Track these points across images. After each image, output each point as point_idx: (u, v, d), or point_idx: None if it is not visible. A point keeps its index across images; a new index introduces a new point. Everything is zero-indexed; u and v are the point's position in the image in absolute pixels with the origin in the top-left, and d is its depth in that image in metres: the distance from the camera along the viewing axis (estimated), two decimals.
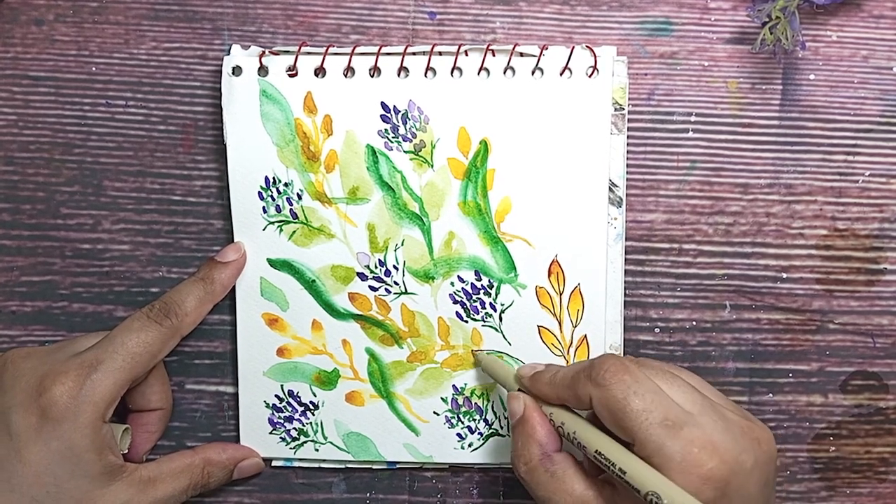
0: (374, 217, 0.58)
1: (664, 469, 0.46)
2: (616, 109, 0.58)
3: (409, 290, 0.59)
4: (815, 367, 0.61)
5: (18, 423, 0.53)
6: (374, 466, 0.61)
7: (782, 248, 0.60)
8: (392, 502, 0.61)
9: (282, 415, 0.60)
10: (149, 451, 0.59)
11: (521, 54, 0.58)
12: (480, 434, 0.60)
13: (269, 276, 0.59)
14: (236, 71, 0.58)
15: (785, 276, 0.60)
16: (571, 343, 0.59)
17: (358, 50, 0.58)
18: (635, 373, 0.49)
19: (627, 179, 0.59)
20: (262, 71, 0.58)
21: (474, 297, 0.59)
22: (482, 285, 0.59)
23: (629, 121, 0.59)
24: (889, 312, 0.60)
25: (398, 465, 0.61)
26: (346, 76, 0.58)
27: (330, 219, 0.59)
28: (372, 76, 0.58)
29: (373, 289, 0.59)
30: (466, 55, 0.58)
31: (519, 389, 0.54)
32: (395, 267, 0.59)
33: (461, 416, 0.60)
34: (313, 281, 0.59)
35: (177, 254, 0.60)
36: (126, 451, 0.58)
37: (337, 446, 0.60)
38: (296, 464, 0.61)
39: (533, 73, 0.58)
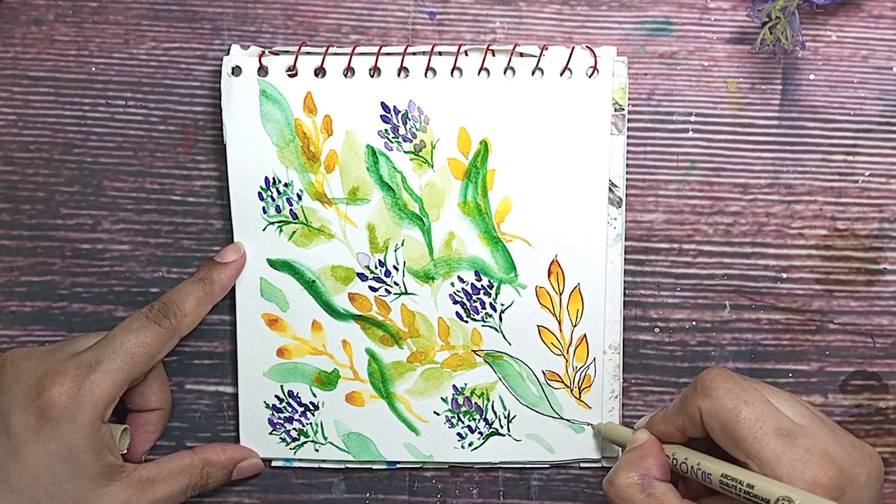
0: (374, 217, 0.58)
1: (784, 479, 0.46)
2: (616, 110, 0.58)
3: (409, 291, 0.59)
4: (814, 368, 0.61)
5: (17, 424, 0.53)
6: (374, 466, 0.61)
7: (782, 248, 0.60)
8: (392, 502, 0.61)
9: (282, 415, 0.60)
10: (148, 452, 0.59)
11: (521, 54, 0.58)
12: (480, 434, 0.60)
13: (269, 277, 0.59)
14: (236, 71, 0.58)
15: (785, 276, 0.60)
16: (571, 342, 0.59)
17: (358, 50, 0.58)
18: (741, 382, 0.49)
19: (627, 179, 0.59)
20: (262, 71, 0.58)
21: (474, 297, 0.59)
22: (482, 285, 0.59)
23: (629, 121, 0.59)
24: (889, 312, 0.60)
25: (398, 465, 0.61)
26: (346, 76, 0.58)
27: (330, 219, 0.59)
28: (372, 76, 0.58)
29: (373, 289, 0.59)
30: (466, 55, 0.58)
31: None
32: (395, 267, 0.59)
33: (461, 415, 0.60)
34: (313, 281, 0.59)
35: (176, 254, 0.60)
36: (125, 451, 0.58)
37: (337, 446, 0.60)
38: (296, 464, 0.61)
39: (533, 73, 0.58)
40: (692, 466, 0.50)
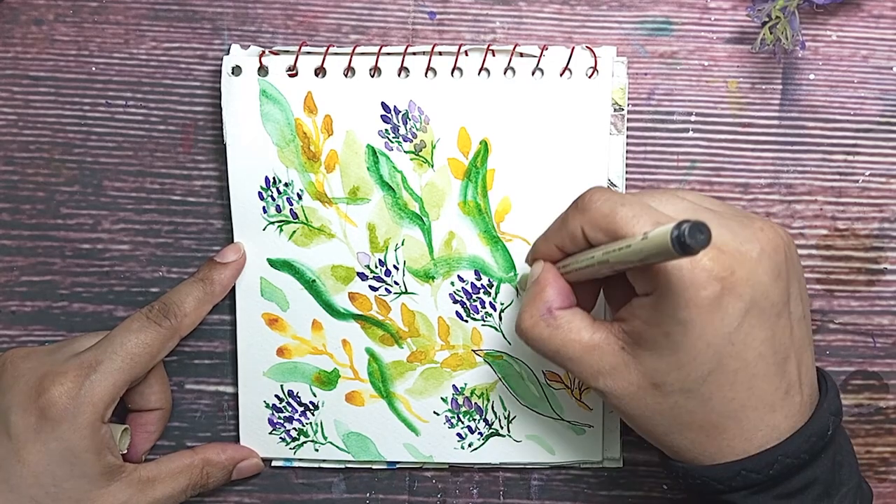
0: (374, 217, 0.58)
1: (663, 268, 0.45)
2: (616, 110, 0.58)
3: (409, 290, 0.59)
4: None
5: (17, 424, 0.53)
6: (374, 466, 0.61)
7: None
8: (392, 502, 0.61)
9: (282, 415, 0.60)
10: (148, 452, 0.59)
11: (522, 54, 0.58)
12: (480, 434, 0.60)
13: (270, 276, 0.59)
14: (236, 71, 0.58)
15: None
16: None
17: (358, 50, 0.58)
18: (620, 193, 0.48)
19: (627, 179, 0.59)
20: (262, 71, 0.58)
21: (474, 296, 0.59)
22: (482, 285, 0.59)
23: (629, 120, 0.59)
24: (889, 312, 0.60)
25: (398, 465, 0.61)
26: (346, 76, 0.58)
27: (330, 219, 0.59)
28: (372, 76, 0.58)
29: (373, 289, 0.59)
30: (466, 55, 0.58)
31: None
32: (395, 267, 0.59)
33: (461, 415, 0.60)
34: (313, 281, 0.59)
35: (177, 254, 0.60)
36: (125, 451, 0.58)
37: (337, 446, 0.60)
38: (296, 464, 0.61)
39: (533, 73, 0.58)
40: (580, 268, 0.50)
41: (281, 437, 0.60)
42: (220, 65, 0.59)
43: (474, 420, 0.60)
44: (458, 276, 0.59)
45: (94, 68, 0.60)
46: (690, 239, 0.39)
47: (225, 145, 0.58)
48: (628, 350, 0.48)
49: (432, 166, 0.58)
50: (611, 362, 0.48)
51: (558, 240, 0.50)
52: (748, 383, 0.47)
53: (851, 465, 0.50)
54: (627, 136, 0.59)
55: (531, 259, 0.54)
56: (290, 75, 0.58)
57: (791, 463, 0.48)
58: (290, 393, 0.60)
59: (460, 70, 0.58)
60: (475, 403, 0.60)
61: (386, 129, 0.58)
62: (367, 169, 0.58)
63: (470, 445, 0.60)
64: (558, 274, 0.51)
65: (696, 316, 0.45)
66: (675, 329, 0.46)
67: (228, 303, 0.60)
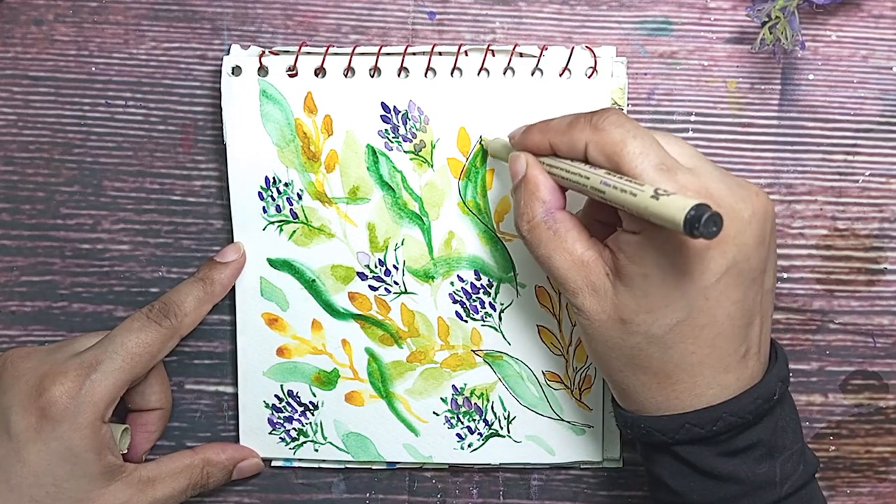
0: (374, 217, 0.58)
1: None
2: None
3: (408, 290, 0.59)
4: (815, 367, 0.61)
5: (18, 423, 0.53)
6: (374, 467, 0.61)
7: (783, 247, 0.60)
8: (392, 502, 0.61)
9: (281, 415, 0.60)
10: (148, 451, 0.59)
11: (521, 55, 0.58)
12: (480, 434, 0.60)
13: (269, 276, 0.59)
14: (236, 71, 0.58)
15: (785, 275, 0.60)
16: (571, 342, 0.59)
17: (358, 50, 0.58)
18: (635, 123, 0.48)
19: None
20: (262, 71, 0.58)
21: (474, 296, 0.59)
22: (482, 285, 0.59)
23: None
24: (889, 312, 0.60)
25: (398, 466, 0.61)
26: (346, 76, 0.58)
27: (330, 218, 0.59)
28: (372, 76, 0.58)
29: (373, 288, 0.59)
30: (466, 55, 0.58)
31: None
32: (394, 266, 0.59)
33: (461, 416, 0.60)
34: (313, 280, 0.59)
35: (176, 254, 0.60)
36: (125, 451, 0.58)
37: (336, 446, 0.60)
38: (295, 464, 0.61)
39: (532, 73, 0.58)
40: (566, 176, 0.49)
41: (281, 437, 0.60)
42: (220, 65, 0.59)
43: (474, 420, 0.60)
44: (458, 275, 0.59)
45: (93, 68, 0.60)
46: (704, 228, 0.40)
47: (225, 145, 0.58)
48: (610, 278, 0.49)
49: (432, 166, 0.58)
50: (593, 284, 0.49)
51: (557, 140, 0.50)
52: (711, 341, 0.48)
53: (795, 431, 0.51)
54: None
55: (518, 144, 0.53)
56: (290, 75, 0.58)
57: (734, 421, 0.49)
58: (290, 393, 0.60)
59: (460, 70, 0.58)
60: (475, 404, 0.60)
61: (386, 129, 0.58)
62: (367, 169, 0.58)
63: (470, 446, 0.60)
64: (545, 171, 0.51)
65: (678, 263, 0.46)
66: (654, 272, 0.47)
67: (228, 303, 0.60)
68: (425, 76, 0.58)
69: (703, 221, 0.40)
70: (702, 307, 0.47)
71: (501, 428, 0.60)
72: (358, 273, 0.59)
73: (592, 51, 0.58)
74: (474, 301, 0.59)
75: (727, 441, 0.49)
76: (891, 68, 0.60)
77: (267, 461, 0.61)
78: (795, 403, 0.53)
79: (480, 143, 0.58)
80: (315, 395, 0.60)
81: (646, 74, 0.59)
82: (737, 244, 0.47)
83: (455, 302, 0.59)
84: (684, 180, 0.46)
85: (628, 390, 0.50)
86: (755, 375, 0.50)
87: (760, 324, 0.50)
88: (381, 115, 0.58)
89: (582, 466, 0.61)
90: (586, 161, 0.49)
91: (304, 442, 0.60)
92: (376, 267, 0.59)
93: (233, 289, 0.59)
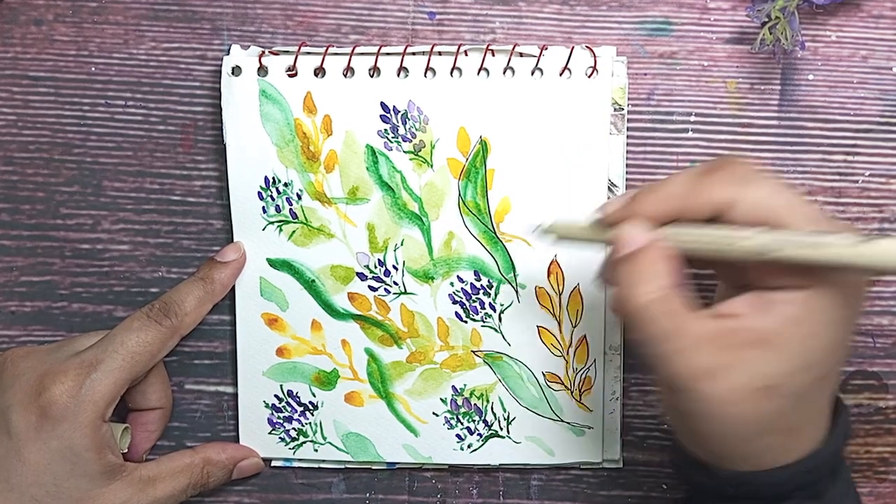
0: (373, 217, 0.58)
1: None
2: (616, 110, 0.58)
3: (408, 290, 0.59)
4: None
5: (18, 423, 0.53)
6: (374, 467, 0.61)
7: None
8: (392, 502, 0.61)
9: (281, 415, 0.60)
10: (148, 451, 0.59)
11: (521, 54, 0.58)
12: (480, 435, 0.60)
13: (269, 276, 0.59)
14: (236, 71, 0.58)
15: None
16: (571, 343, 0.59)
17: (357, 50, 0.58)
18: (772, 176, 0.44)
19: (627, 179, 0.59)
20: (262, 71, 0.58)
21: (474, 297, 0.59)
22: (481, 285, 0.59)
23: (629, 121, 0.59)
24: (889, 312, 0.60)
25: (398, 466, 0.61)
26: (345, 76, 0.58)
27: (329, 219, 0.59)
28: (371, 76, 0.58)
29: (372, 289, 0.59)
30: (466, 55, 0.58)
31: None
32: (394, 267, 0.59)
33: (460, 417, 0.60)
34: (313, 281, 0.59)
35: (176, 254, 0.60)
36: (126, 450, 0.58)
37: (336, 446, 0.60)
38: (295, 464, 0.61)
39: (532, 73, 0.58)
40: (705, 248, 0.44)
41: (280, 437, 0.60)
42: (220, 65, 0.59)
43: (474, 421, 0.60)
44: (458, 276, 0.59)
45: (93, 68, 0.60)
46: None
47: (224, 145, 0.58)
48: (735, 349, 0.43)
49: (432, 166, 0.58)
50: (718, 361, 0.43)
51: (682, 204, 0.44)
52: (832, 385, 0.46)
53: (851, 485, 0.51)
54: (627, 137, 0.59)
55: (622, 216, 0.47)
56: (290, 75, 0.58)
57: (831, 464, 0.47)
58: (290, 393, 0.60)
59: (460, 70, 0.58)
60: (474, 404, 0.60)
61: (385, 129, 0.58)
62: (367, 169, 0.58)
63: (469, 446, 0.60)
64: (664, 244, 0.45)
65: (852, 314, 0.43)
66: (824, 330, 0.42)
67: (228, 303, 0.60)
68: (425, 76, 0.58)
69: None
70: (846, 355, 0.44)
71: (501, 429, 0.60)
72: (357, 273, 0.59)
73: (592, 51, 0.58)
74: (474, 302, 0.59)
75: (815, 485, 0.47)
76: (891, 68, 0.60)
77: (267, 461, 0.61)
78: None
79: (536, 230, 0.53)
80: (315, 396, 0.60)
81: (646, 75, 0.59)
82: None
83: (455, 302, 0.59)
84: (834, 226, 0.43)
85: (745, 455, 0.45)
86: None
87: None
88: (381, 115, 0.58)
89: (582, 467, 0.61)
90: (718, 215, 0.44)
91: (304, 442, 0.60)
92: (376, 267, 0.59)
93: (232, 289, 0.59)
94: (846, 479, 0.49)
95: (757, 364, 0.43)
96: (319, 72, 0.58)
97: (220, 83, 0.58)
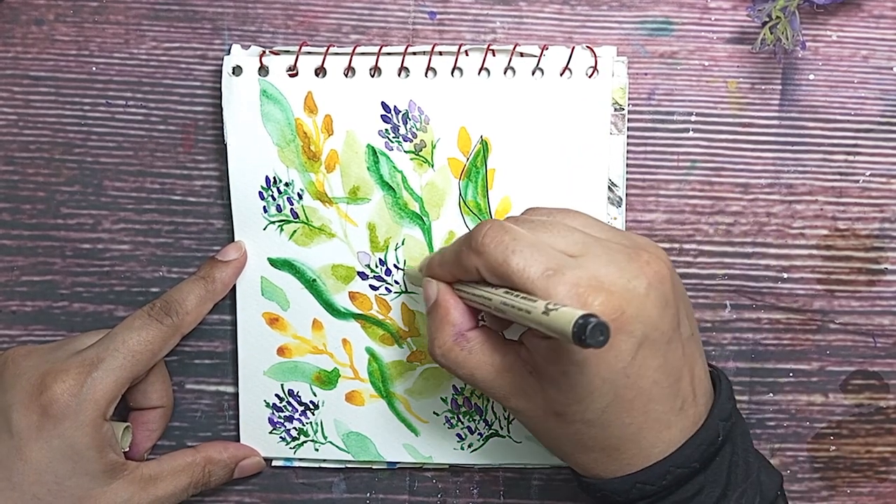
0: (374, 216, 0.58)
1: None
2: (616, 109, 0.58)
3: (409, 290, 0.59)
4: (815, 367, 0.61)
5: (19, 422, 0.53)
6: (374, 466, 0.61)
7: (783, 247, 0.60)
8: (392, 502, 0.61)
9: (282, 414, 0.60)
10: (150, 450, 0.59)
11: (522, 54, 0.58)
12: (480, 435, 0.60)
13: (270, 276, 0.59)
14: (237, 71, 0.58)
15: (786, 276, 0.60)
16: None
17: (358, 50, 0.58)
18: (512, 230, 0.48)
19: (628, 179, 0.59)
20: (263, 71, 0.58)
21: None
22: None
23: (629, 120, 0.59)
24: (890, 312, 0.60)
25: (398, 465, 0.61)
26: (346, 76, 0.58)
27: (330, 218, 0.59)
28: (372, 76, 0.58)
29: (373, 288, 0.59)
30: (467, 55, 0.58)
31: None
32: (395, 266, 0.59)
33: (461, 416, 0.60)
34: (314, 280, 0.59)
35: (177, 254, 0.60)
36: (127, 449, 0.58)
37: (337, 446, 0.60)
38: (296, 463, 0.61)
39: (533, 73, 0.58)
40: (477, 301, 0.50)
41: (281, 437, 0.60)
42: (221, 65, 0.59)
43: (474, 420, 0.60)
44: None
45: (94, 68, 0.60)
46: (591, 339, 0.40)
47: (225, 145, 0.58)
48: (534, 376, 0.49)
49: (432, 166, 0.58)
50: (520, 385, 0.50)
51: (454, 270, 0.51)
52: (644, 408, 0.48)
53: (748, 462, 0.51)
54: (627, 137, 0.59)
55: (425, 275, 0.54)
56: (291, 75, 0.58)
57: (682, 472, 0.49)
58: (291, 392, 0.60)
59: (460, 70, 0.58)
60: (475, 404, 0.60)
61: (386, 129, 0.58)
62: (368, 169, 0.58)
63: (470, 446, 0.60)
64: (456, 296, 0.52)
65: (591, 357, 0.46)
66: (572, 369, 0.47)
67: (229, 302, 0.60)
68: (426, 76, 0.58)
69: (589, 332, 0.40)
70: (626, 384, 0.47)
71: (502, 428, 0.60)
72: (358, 273, 0.59)
73: (593, 50, 0.58)
74: None
75: (677, 491, 0.50)
76: (891, 68, 0.60)
77: (267, 461, 0.61)
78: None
79: (405, 270, 0.59)
80: (315, 395, 0.60)
81: (646, 74, 0.60)
82: (641, 320, 0.47)
83: None
84: (573, 277, 0.46)
85: (584, 466, 0.51)
86: (699, 419, 0.50)
87: (690, 372, 0.50)
88: (382, 115, 0.58)
89: None
90: (480, 277, 0.49)
91: (305, 441, 0.60)
92: (377, 267, 0.59)
93: (233, 288, 0.59)
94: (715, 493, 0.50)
95: (545, 392, 0.49)
96: (320, 71, 0.58)
97: (220, 83, 0.58)
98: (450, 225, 0.58)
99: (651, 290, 0.47)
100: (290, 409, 0.60)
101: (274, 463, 0.61)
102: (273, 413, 0.60)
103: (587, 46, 0.58)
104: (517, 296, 0.46)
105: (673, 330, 0.48)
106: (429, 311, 0.52)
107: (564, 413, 0.49)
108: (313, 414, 0.60)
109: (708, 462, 0.50)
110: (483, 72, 0.58)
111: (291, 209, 0.58)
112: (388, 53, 0.58)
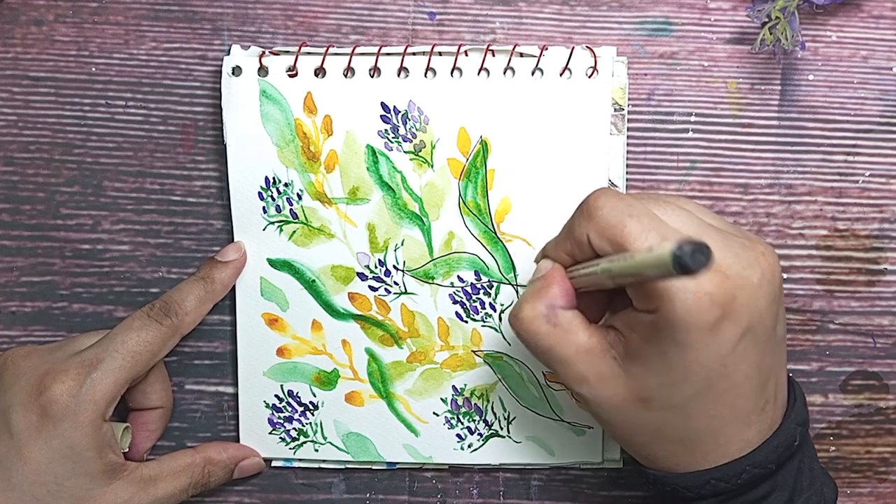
0: (374, 217, 0.59)
1: (667, 288, 0.45)
2: (616, 110, 0.58)
3: (408, 290, 0.59)
4: (815, 367, 0.61)
5: (19, 422, 0.53)
6: (374, 467, 0.61)
7: (783, 248, 0.60)
8: (392, 502, 0.61)
9: (281, 415, 0.60)
10: (149, 450, 0.59)
11: (521, 54, 0.58)
12: (480, 435, 0.60)
13: (270, 276, 0.59)
14: (236, 71, 0.58)
15: (785, 276, 0.60)
16: None
17: (358, 50, 0.58)
18: (626, 198, 0.47)
19: (627, 179, 0.59)
20: (262, 71, 0.58)
21: (474, 297, 0.59)
22: (482, 285, 0.59)
23: (629, 121, 0.59)
24: (889, 313, 0.60)
25: (398, 466, 0.61)
26: (346, 76, 0.58)
27: (330, 219, 0.59)
28: (372, 76, 0.58)
29: (373, 289, 0.59)
30: (466, 55, 0.58)
31: None
32: (395, 267, 0.59)
33: (461, 416, 0.60)
34: (313, 281, 0.59)
35: (176, 254, 0.60)
36: (127, 449, 0.58)
37: (336, 446, 0.60)
38: (295, 464, 0.61)
39: (533, 73, 0.58)
40: (584, 275, 0.48)
41: (281, 437, 0.60)
42: (221, 65, 0.59)
43: (474, 421, 0.60)
44: (458, 276, 0.59)
45: (94, 69, 0.60)
46: (692, 261, 0.39)
47: (225, 145, 0.58)
48: (619, 361, 0.48)
49: (432, 166, 0.58)
50: (600, 370, 0.48)
51: (566, 246, 0.50)
52: (732, 402, 0.48)
53: (814, 471, 0.51)
54: (627, 137, 0.59)
55: (541, 257, 0.52)
56: (290, 75, 0.58)
57: (758, 472, 0.49)
58: (290, 393, 0.60)
59: (460, 70, 0.58)
60: (475, 404, 0.60)
61: (385, 130, 0.58)
62: (367, 169, 0.58)
63: (470, 446, 0.60)
64: (565, 275, 0.50)
65: (696, 339, 0.46)
66: (672, 349, 0.46)
67: (228, 303, 0.60)
68: (425, 76, 0.58)
69: (690, 255, 0.38)
70: (721, 374, 0.47)
71: (501, 428, 0.60)
72: (358, 273, 0.59)
73: (593, 51, 0.58)
74: (474, 301, 0.59)
75: (749, 491, 0.49)
76: (891, 69, 0.60)
77: (267, 461, 0.61)
78: None
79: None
80: (315, 396, 0.60)
81: (646, 75, 0.60)
82: (749, 310, 0.46)
83: (455, 302, 0.59)
84: None
85: (655, 458, 0.50)
86: (775, 423, 0.50)
87: (777, 375, 0.49)
88: (381, 116, 0.58)
89: (582, 467, 0.61)
90: (592, 251, 0.48)
91: (305, 442, 0.60)
92: (376, 267, 0.59)
93: (233, 289, 0.59)
94: (789, 493, 0.50)
95: (632, 376, 0.48)
96: (320, 72, 0.58)
97: (220, 83, 0.58)
98: (449, 225, 0.59)
99: (764, 282, 0.47)
100: (289, 409, 0.60)
101: (274, 463, 0.61)
102: (273, 413, 0.60)
103: (587, 47, 0.58)
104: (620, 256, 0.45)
105: (773, 328, 0.48)
106: (531, 281, 0.51)
107: (651, 399, 0.47)
108: (313, 414, 0.60)
109: (782, 465, 0.49)
110: (483, 72, 0.58)
111: (291, 209, 0.58)
112: (388, 54, 0.58)
